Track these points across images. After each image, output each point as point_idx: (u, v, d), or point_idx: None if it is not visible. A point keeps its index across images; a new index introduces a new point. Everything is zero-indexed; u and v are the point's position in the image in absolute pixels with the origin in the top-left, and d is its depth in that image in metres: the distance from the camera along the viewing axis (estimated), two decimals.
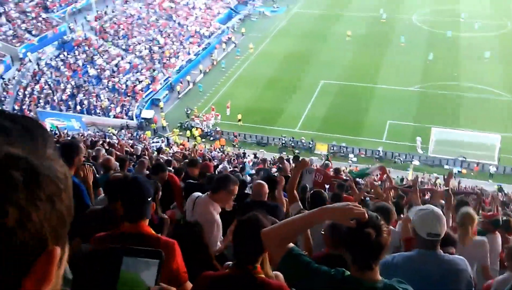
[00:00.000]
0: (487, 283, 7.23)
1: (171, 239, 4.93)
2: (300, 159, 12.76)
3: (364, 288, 3.78)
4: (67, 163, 5.33)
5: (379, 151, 52.29)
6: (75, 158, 7.64)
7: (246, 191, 12.15)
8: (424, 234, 5.35)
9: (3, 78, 56.47)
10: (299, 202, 8.66)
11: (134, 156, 21.44)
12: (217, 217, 7.40)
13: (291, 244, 3.93)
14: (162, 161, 17.69)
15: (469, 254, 6.97)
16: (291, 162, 23.61)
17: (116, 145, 26.67)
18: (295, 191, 8.90)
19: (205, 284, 4.50)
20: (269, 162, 35.99)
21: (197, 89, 65.43)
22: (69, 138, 30.45)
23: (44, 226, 0.92)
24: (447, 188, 10.93)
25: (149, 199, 4.86)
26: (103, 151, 16.51)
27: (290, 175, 16.60)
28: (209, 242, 6.27)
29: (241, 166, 32.92)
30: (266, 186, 8.94)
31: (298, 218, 4.17)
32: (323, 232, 6.17)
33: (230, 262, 4.97)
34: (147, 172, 12.98)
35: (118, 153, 18.45)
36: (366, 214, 3.66)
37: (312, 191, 10.68)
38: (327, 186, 16.69)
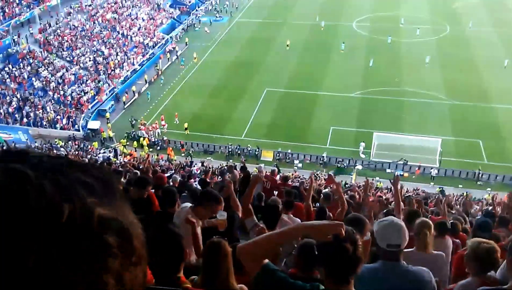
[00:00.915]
0: (448, 287, 7.26)
1: None
2: (252, 175, 12.82)
3: None
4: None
5: (323, 156, 52.79)
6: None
7: None
8: (384, 245, 5.33)
9: None
10: (254, 217, 8.62)
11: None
12: (197, 230, 7.29)
13: (266, 260, 3.89)
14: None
15: (430, 264, 6.70)
16: (239, 170, 23.91)
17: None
18: (250, 206, 8.82)
19: None
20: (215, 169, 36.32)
21: (142, 99, 65.32)
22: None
23: (133, 285, 0.92)
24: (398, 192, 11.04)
25: None
26: None
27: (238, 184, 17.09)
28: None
29: (188, 174, 33.07)
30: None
31: (274, 234, 4.12)
32: (294, 253, 6.06)
33: (195, 277, 5.25)
34: None
35: None
36: (343, 230, 3.62)
37: (268, 203, 10.45)
38: (275, 192, 16.98)
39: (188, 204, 8.25)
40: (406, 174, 50.78)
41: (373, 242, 5.67)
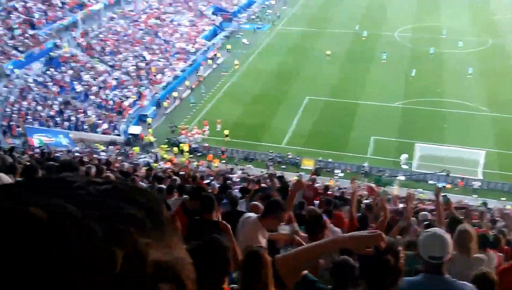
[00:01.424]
0: None
1: None
2: (295, 181, 12.62)
3: None
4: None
5: (364, 166, 51.97)
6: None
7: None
8: (426, 257, 5.11)
9: None
10: (296, 224, 8.27)
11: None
12: (264, 242, 7.23)
13: (306, 271, 4.04)
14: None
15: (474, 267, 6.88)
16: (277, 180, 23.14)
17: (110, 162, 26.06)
18: (291, 213, 8.53)
19: None
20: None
21: (183, 105, 64.99)
22: (59, 155, 29.63)
23: None
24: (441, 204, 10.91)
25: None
26: (94, 169, 16.09)
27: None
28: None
29: (229, 182, 32.29)
30: (262, 207, 8.77)
31: (312, 246, 4.08)
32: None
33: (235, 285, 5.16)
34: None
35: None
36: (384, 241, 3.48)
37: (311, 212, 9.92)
38: (316, 202, 17.09)
39: (252, 214, 8.01)
40: (448, 186, 49.59)
41: (417, 254, 5.46)
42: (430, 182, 50.03)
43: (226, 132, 57.24)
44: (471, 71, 69.55)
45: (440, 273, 5.09)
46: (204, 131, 58.35)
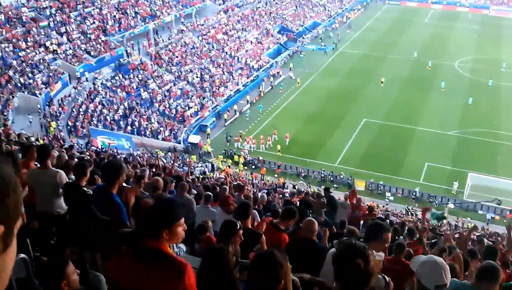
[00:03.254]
0: None
1: (185, 261, 4.67)
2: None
3: None
4: (108, 183, 7.37)
5: (416, 191, 51.11)
6: (118, 179, 7.51)
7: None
8: (432, 287, 5.12)
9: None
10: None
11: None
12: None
13: None
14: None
15: None
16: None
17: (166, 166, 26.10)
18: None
19: None
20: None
21: (242, 118, 65.39)
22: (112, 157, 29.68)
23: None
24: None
25: (170, 222, 4.58)
26: (148, 171, 16.51)
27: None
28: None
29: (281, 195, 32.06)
30: (316, 223, 8.64)
31: None
32: None
33: None
34: (188, 195, 13.39)
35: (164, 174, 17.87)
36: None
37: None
38: (361, 222, 17.91)
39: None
40: (497, 217, 48.64)
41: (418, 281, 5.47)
42: (480, 212, 49.52)
43: (279, 147, 57.41)
44: None
45: None
46: (269, 140, 59.22)
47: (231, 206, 11.30)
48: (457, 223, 42.86)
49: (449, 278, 5.25)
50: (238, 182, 24.41)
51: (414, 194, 51.08)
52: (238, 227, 7.37)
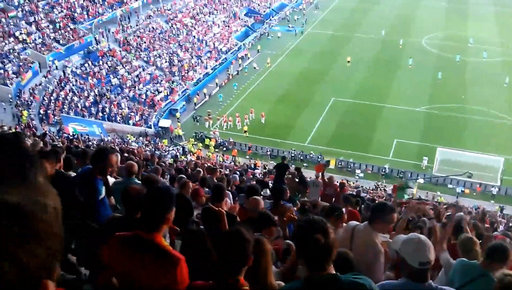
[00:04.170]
0: None
1: (180, 254, 4.77)
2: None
3: (323, 282, 3.90)
4: (100, 172, 7.59)
5: (385, 168, 52.09)
6: (106, 164, 7.99)
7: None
8: (416, 264, 4.97)
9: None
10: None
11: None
12: (380, 246, 6.93)
13: None
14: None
15: None
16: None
17: (135, 151, 26.62)
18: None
19: None
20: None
21: (212, 101, 65.66)
22: (89, 144, 30.26)
23: (30, 262, 0.89)
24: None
25: (166, 213, 4.73)
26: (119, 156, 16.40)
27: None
28: (373, 269, 6.09)
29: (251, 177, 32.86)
30: (262, 202, 8.83)
31: None
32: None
33: None
34: (162, 178, 13.18)
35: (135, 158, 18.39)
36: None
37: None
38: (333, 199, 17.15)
39: (354, 222, 7.78)
40: (467, 191, 49.78)
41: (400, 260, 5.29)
42: (450, 186, 50.56)
43: (245, 128, 58.15)
44: (507, 80, 69.18)
45: (425, 279, 4.99)
46: (226, 121, 60.08)
47: (202, 198, 11.06)
48: (427, 198, 43.81)
49: (433, 255, 5.06)
50: (209, 164, 25.10)
51: (383, 170, 52.01)
52: (271, 222, 7.43)
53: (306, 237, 3.91)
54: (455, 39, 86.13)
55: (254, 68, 74.47)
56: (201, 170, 18.66)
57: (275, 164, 49.59)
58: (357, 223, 7.72)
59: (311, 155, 53.59)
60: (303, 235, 3.96)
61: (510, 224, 28.88)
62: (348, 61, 75.73)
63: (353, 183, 44.64)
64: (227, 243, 4.39)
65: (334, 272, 3.98)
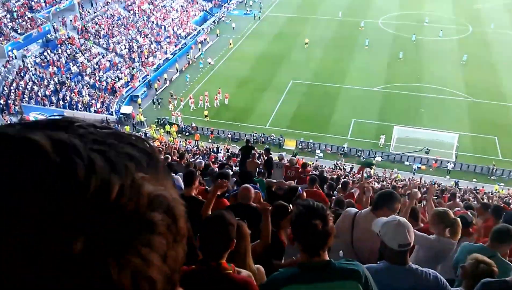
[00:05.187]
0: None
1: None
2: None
3: (317, 267, 4.03)
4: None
5: (344, 147, 52.83)
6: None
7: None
8: (396, 245, 4.99)
9: None
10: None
11: None
12: None
13: None
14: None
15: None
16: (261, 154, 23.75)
17: None
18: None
19: None
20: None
21: (172, 86, 65.66)
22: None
23: (176, 263, 0.86)
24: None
25: None
26: None
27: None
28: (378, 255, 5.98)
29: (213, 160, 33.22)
30: (252, 190, 8.81)
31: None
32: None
33: None
34: None
35: None
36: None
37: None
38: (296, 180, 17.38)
39: (353, 210, 7.75)
40: (423, 167, 50.73)
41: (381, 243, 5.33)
42: (406, 163, 51.45)
43: (206, 112, 58.37)
44: (465, 58, 70.19)
45: (405, 261, 5.07)
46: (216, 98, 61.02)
47: None
48: (384, 175, 44.67)
49: (412, 237, 5.10)
50: (174, 150, 25.29)
51: (342, 149, 52.71)
52: (289, 211, 7.22)
53: (305, 222, 3.99)
54: (410, 18, 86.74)
55: (209, 63, 72.33)
56: (168, 156, 18.92)
57: (238, 147, 50.41)
58: (356, 210, 7.69)
59: (272, 137, 54.12)
60: (302, 221, 4.03)
61: (465, 196, 29.83)
62: (306, 43, 76.04)
63: (313, 163, 45.07)
64: (211, 227, 4.51)
65: (328, 258, 4.10)
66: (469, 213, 11.48)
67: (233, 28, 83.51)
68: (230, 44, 77.13)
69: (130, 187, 0.76)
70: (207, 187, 11.88)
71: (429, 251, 7.47)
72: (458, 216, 8.72)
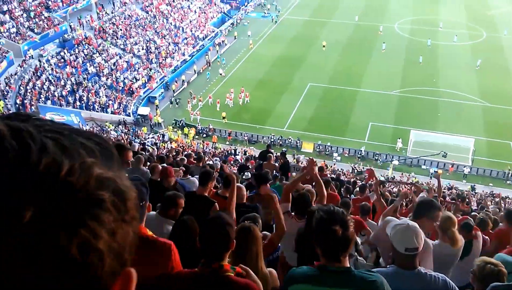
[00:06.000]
0: None
1: (168, 240, 4.90)
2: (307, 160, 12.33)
3: (337, 272, 4.06)
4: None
5: (361, 150, 52.71)
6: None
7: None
8: (402, 249, 5.02)
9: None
10: (289, 203, 8.06)
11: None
12: (428, 241, 6.57)
13: None
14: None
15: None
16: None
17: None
18: (291, 193, 8.26)
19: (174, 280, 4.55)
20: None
21: (190, 88, 65.12)
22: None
23: (125, 242, 0.91)
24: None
25: (141, 203, 4.79)
26: None
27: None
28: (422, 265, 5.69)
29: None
30: (244, 189, 9.17)
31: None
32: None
33: None
34: (144, 167, 12.95)
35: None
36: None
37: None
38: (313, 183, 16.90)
39: (395, 220, 7.12)
40: (440, 171, 49.95)
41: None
42: (423, 167, 51.72)
43: (224, 114, 57.94)
44: (479, 63, 69.95)
45: (414, 266, 5.06)
46: (240, 97, 61.21)
47: (172, 179, 10.69)
48: (401, 179, 44.39)
49: (421, 242, 5.07)
50: (190, 152, 24.71)
51: (359, 153, 52.62)
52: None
53: (325, 228, 3.99)
54: (425, 23, 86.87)
55: (220, 74, 69.90)
56: (185, 158, 18.28)
57: (255, 149, 49.90)
58: (393, 218, 7.31)
59: (290, 140, 54.01)
60: (322, 226, 4.03)
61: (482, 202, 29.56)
62: (324, 46, 75.84)
63: (331, 166, 45.29)
64: (209, 229, 4.48)
65: (348, 265, 4.13)
66: (469, 218, 11.08)
67: (249, 35, 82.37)
68: (251, 44, 77.34)
69: (79, 168, 0.82)
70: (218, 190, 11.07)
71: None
72: (462, 223, 8.98)
